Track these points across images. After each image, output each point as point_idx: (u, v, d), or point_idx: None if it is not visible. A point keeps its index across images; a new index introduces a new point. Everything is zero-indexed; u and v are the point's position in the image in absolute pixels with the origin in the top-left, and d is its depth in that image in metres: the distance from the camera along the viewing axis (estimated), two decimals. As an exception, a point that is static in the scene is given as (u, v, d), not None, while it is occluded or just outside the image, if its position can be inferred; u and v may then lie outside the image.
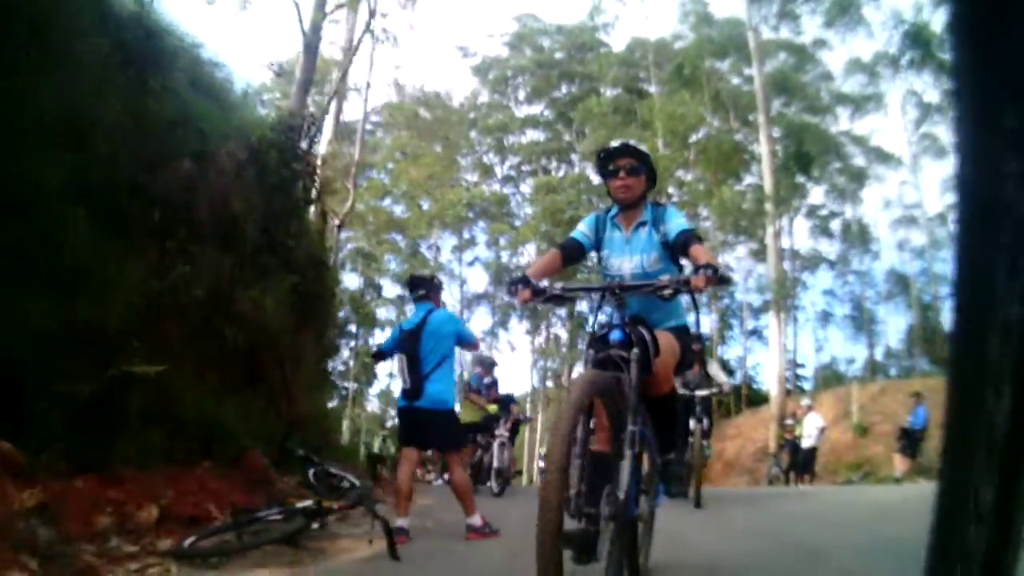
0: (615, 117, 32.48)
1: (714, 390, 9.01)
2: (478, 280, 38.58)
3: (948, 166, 31.01)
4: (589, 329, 3.82)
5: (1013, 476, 0.67)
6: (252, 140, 8.84)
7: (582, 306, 28.91)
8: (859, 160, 36.39)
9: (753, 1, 28.48)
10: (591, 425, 3.00)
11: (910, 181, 36.45)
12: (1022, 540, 0.68)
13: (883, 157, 36.35)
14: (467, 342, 6.27)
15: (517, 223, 37.26)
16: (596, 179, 34.90)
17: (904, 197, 37.27)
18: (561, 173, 37.74)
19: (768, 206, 26.71)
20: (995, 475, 0.67)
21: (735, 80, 33.66)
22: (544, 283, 3.52)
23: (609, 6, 36.99)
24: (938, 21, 24.86)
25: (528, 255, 35.77)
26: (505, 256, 37.65)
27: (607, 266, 3.97)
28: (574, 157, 37.73)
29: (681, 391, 8.09)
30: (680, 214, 3.93)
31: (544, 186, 34.64)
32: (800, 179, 33.20)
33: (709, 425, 9.08)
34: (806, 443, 17.06)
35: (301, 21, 12.45)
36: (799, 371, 36.07)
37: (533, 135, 38.89)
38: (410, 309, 7.26)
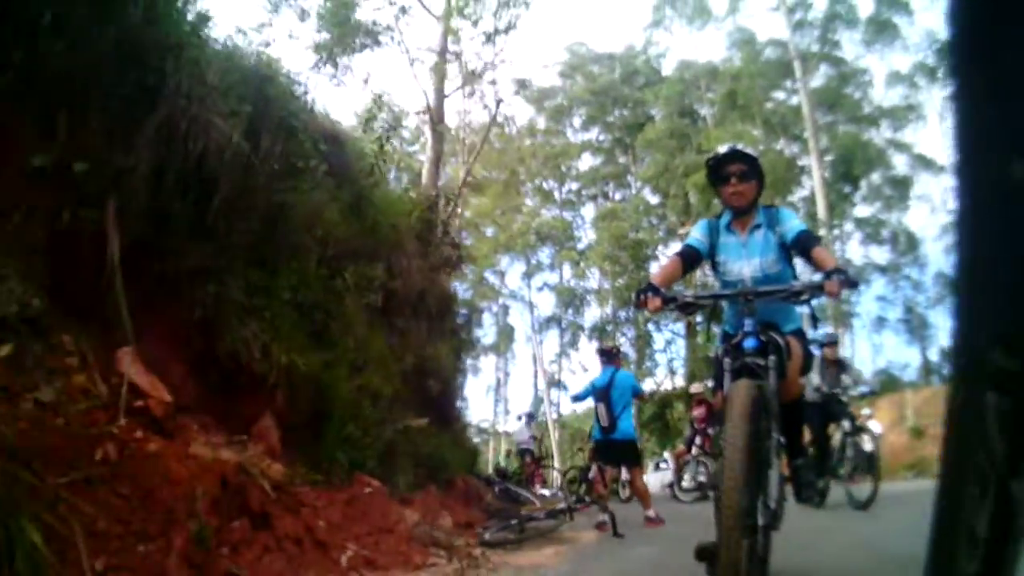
0: (671, 142, 34.31)
1: (850, 392, 8.88)
2: (546, 304, 39.66)
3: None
4: (719, 339, 3.96)
5: (1011, 478, 0.67)
6: (414, 222, 11.00)
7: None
8: (903, 167, 37.34)
9: (796, 28, 30.40)
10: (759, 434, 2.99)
11: (952, 187, 37.56)
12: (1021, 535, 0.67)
13: (926, 163, 37.39)
14: (640, 393, 9.10)
15: (579, 246, 38.92)
16: (654, 200, 36.98)
17: (948, 203, 38.54)
18: (618, 196, 39.44)
19: (821, 227, 28.41)
20: (994, 476, 0.68)
21: (781, 95, 35.34)
22: (671, 292, 3.59)
23: (659, 37, 39.08)
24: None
25: (594, 279, 37.64)
26: (572, 281, 39.12)
27: (725, 272, 3.96)
28: (630, 179, 39.37)
29: (812, 396, 8.24)
30: (794, 215, 3.97)
31: (608, 214, 36.37)
32: (847, 189, 34.91)
33: (849, 426, 8.85)
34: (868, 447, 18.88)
35: (430, 108, 14.48)
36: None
37: (589, 160, 40.54)
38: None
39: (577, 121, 40.37)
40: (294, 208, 6.24)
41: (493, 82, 18.30)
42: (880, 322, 38.52)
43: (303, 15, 9.87)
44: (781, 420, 3.47)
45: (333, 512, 5.13)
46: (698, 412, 13.94)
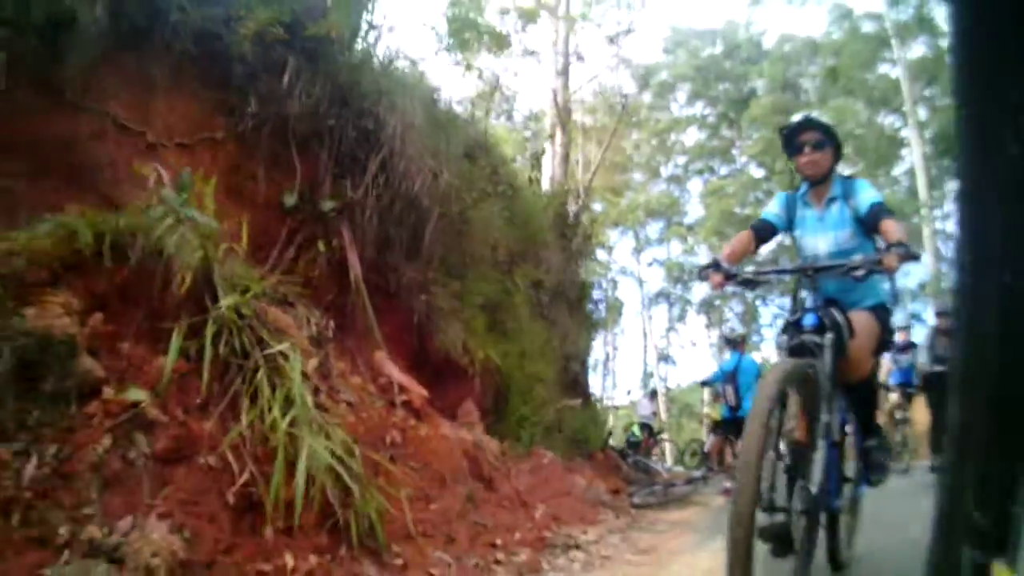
0: (775, 117, 34.36)
1: None
2: (655, 279, 40.01)
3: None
4: (783, 314, 3.88)
5: (1013, 469, 0.70)
6: (552, 217, 12.01)
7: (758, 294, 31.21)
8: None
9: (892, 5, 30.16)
10: (787, 416, 2.88)
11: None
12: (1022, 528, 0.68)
13: None
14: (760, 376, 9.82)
15: (687, 221, 39.25)
16: (759, 174, 37.03)
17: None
18: (724, 171, 39.52)
19: (923, 209, 28.32)
20: (996, 466, 0.71)
21: (881, 69, 34.93)
22: (735, 267, 3.52)
23: (759, 16, 38.94)
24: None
25: (703, 254, 37.71)
26: (681, 256, 39.48)
27: (801, 246, 3.91)
28: (735, 153, 39.46)
29: (937, 368, 8.61)
30: (870, 186, 3.77)
31: (716, 189, 36.63)
32: (948, 163, 34.32)
33: None
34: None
35: (557, 105, 15.43)
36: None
37: (695, 135, 40.61)
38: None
39: (682, 96, 40.51)
40: (475, 223, 7.34)
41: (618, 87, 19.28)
42: None
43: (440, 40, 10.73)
44: (847, 400, 3.50)
45: (524, 478, 6.23)
46: None
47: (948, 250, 35.06)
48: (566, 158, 15.41)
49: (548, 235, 10.88)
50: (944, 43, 33.80)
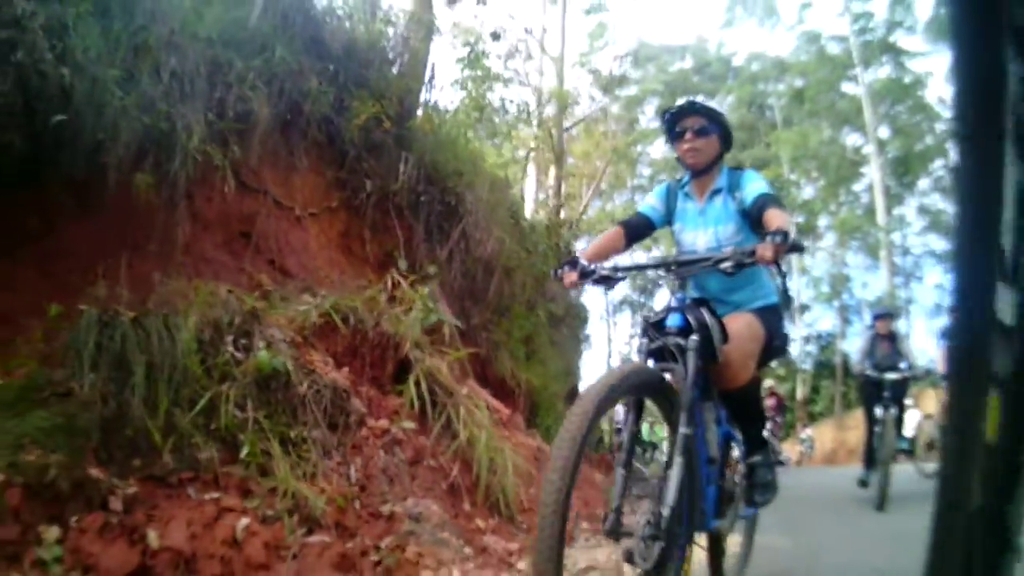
0: (740, 134, 36.75)
1: (907, 373, 8.15)
2: (619, 287, 41.37)
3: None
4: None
5: (1011, 473, 0.70)
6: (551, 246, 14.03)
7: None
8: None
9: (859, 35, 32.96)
10: (637, 428, 2.73)
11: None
12: (1021, 528, 0.68)
13: None
14: None
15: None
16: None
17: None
18: None
19: (881, 236, 31.10)
20: (993, 471, 0.71)
21: (846, 88, 37.65)
22: (592, 265, 3.27)
23: (731, 36, 41.38)
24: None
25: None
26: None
27: (680, 242, 3.68)
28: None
29: (869, 373, 8.25)
30: (759, 176, 3.55)
31: None
32: (906, 179, 37.32)
33: (899, 414, 8.26)
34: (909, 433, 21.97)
35: (552, 138, 17.40)
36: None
37: (662, 147, 42.54)
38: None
39: (649, 110, 42.59)
40: (516, 272, 9.33)
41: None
42: (938, 309, 40.66)
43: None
44: (727, 410, 3.36)
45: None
46: (770, 402, 17.19)
47: (905, 263, 38.13)
48: (559, 187, 17.36)
49: (552, 267, 12.86)
50: (905, 67, 36.89)
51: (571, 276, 3.23)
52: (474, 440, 5.14)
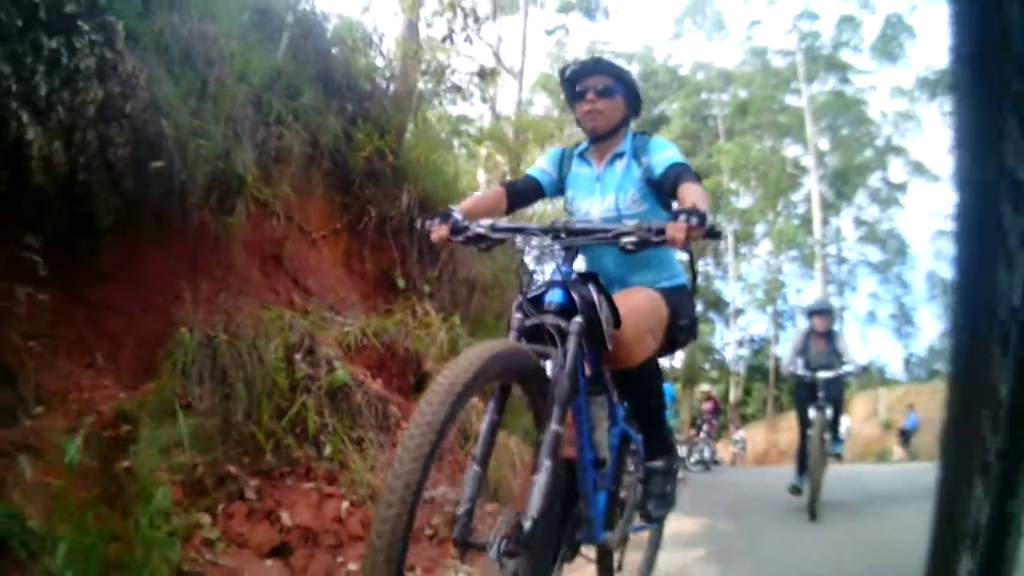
0: (684, 142, 38.31)
1: (844, 371, 7.89)
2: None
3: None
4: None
5: (1010, 475, 0.70)
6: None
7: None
8: (901, 172, 41.33)
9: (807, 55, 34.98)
10: (499, 418, 2.31)
11: (947, 195, 42.22)
12: (1021, 528, 0.68)
13: (921, 170, 40.96)
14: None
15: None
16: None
17: (943, 210, 42.94)
18: None
19: (817, 248, 33.05)
20: (993, 471, 0.71)
21: (789, 100, 39.62)
22: (468, 221, 2.85)
23: (678, 49, 43.03)
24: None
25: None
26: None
27: (573, 210, 3.34)
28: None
29: (801, 371, 7.92)
30: (670, 144, 3.25)
31: None
32: (843, 190, 39.50)
33: (835, 415, 7.98)
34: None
35: (511, 151, 18.45)
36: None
37: None
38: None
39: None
40: (494, 288, 10.47)
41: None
42: (871, 317, 42.09)
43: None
44: (627, 402, 3.08)
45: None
46: (707, 406, 18.78)
47: (840, 272, 40.21)
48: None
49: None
50: (849, 81, 39.08)
51: (441, 231, 2.86)
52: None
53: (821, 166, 36.79)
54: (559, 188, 3.44)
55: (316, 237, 8.00)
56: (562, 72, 3.34)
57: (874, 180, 40.76)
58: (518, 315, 2.54)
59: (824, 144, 38.37)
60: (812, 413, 7.67)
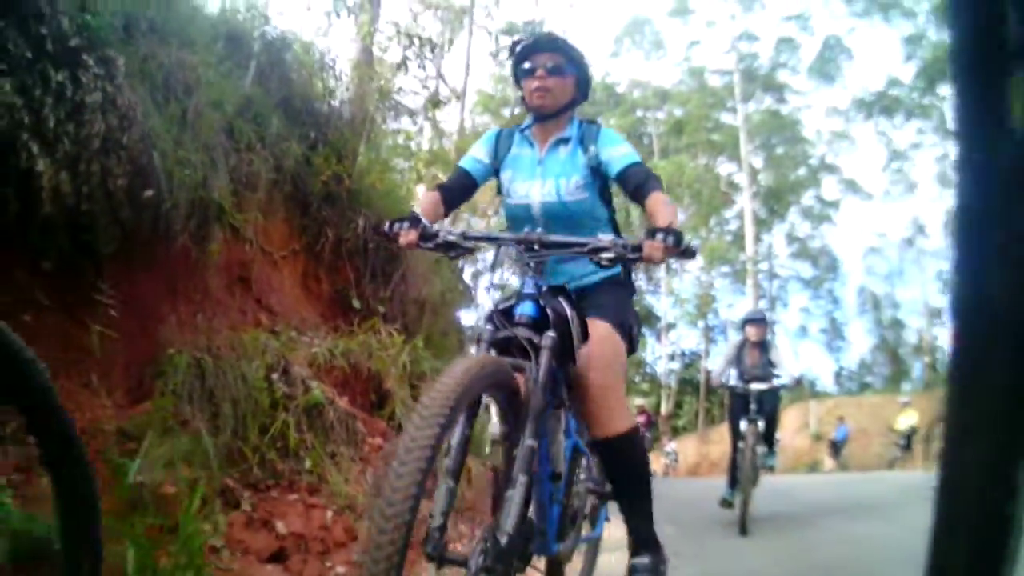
0: (618, 159, 39.29)
1: (778, 383, 7.81)
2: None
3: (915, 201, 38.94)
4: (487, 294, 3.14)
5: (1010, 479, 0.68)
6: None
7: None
8: (834, 189, 43.01)
9: (745, 77, 36.35)
10: (471, 432, 2.27)
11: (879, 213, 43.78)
12: (1021, 528, 0.68)
13: (854, 188, 42.97)
14: None
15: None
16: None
17: (874, 227, 44.68)
18: None
19: (749, 264, 34.36)
20: (994, 478, 0.69)
21: (724, 119, 40.90)
22: (435, 227, 2.85)
23: (616, 66, 44.14)
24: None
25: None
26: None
27: (509, 192, 3.27)
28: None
29: (734, 383, 7.90)
30: (621, 139, 3.22)
31: None
32: (775, 207, 40.93)
33: (769, 428, 7.81)
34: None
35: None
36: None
37: None
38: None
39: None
40: (446, 306, 11.02)
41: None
42: (803, 331, 43.50)
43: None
44: (602, 470, 3.10)
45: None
46: (640, 419, 19.59)
47: (771, 288, 41.49)
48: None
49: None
50: (785, 100, 40.56)
51: (410, 236, 2.83)
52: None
53: (755, 184, 38.10)
54: (494, 172, 3.37)
55: (277, 258, 8.43)
56: (513, 45, 3.30)
57: (807, 198, 42.10)
58: (488, 327, 2.57)
59: (758, 162, 39.75)
60: (744, 425, 7.59)
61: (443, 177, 17.46)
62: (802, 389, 28.62)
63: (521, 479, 2.29)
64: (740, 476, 7.45)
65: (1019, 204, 0.66)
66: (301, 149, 8.68)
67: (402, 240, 2.86)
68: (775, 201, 40.58)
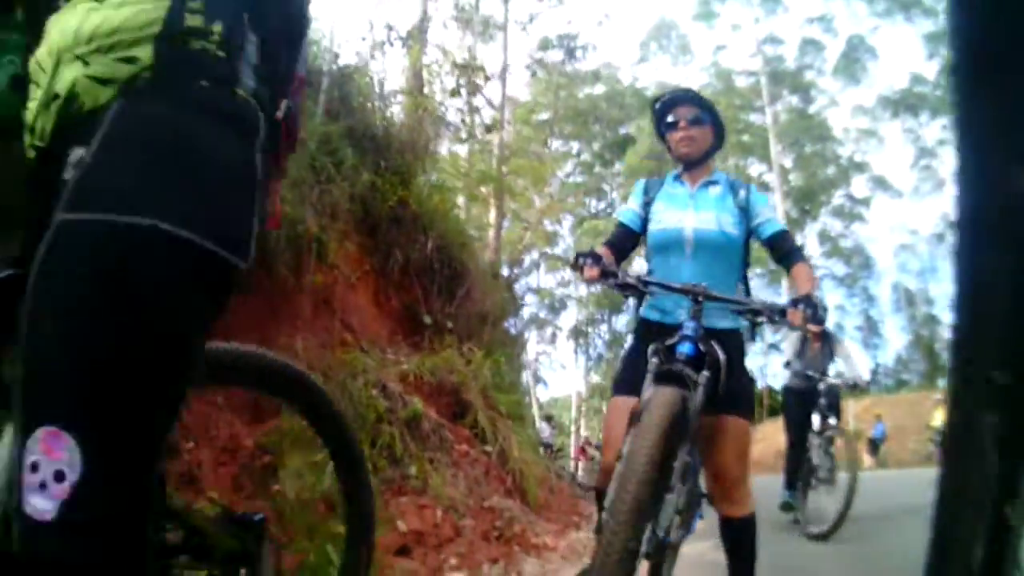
0: (649, 162, 39.51)
1: (840, 380, 7.46)
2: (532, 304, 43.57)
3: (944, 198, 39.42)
4: (632, 322, 3.56)
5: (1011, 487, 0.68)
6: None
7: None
8: (864, 187, 43.41)
9: (771, 79, 36.85)
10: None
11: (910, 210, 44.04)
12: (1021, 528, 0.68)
13: (884, 185, 43.49)
14: None
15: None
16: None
17: (906, 224, 44.90)
18: (596, 205, 43.57)
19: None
20: (989, 499, 0.69)
21: (753, 118, 41.31)
22: (615, 266, 3.26)
23: (645, 71, 44.72)
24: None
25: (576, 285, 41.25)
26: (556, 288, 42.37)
27: (659, 219, 3.47)
28: (605, 187, 43.97)
29: (809, 374, 7.50)
30: (767, 201, 3.59)
31: (591, 229, 41.11)
32: (807, 206, 41.30)
33: (835, 423, 7.43)
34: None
35: (496, 180, 19.68)
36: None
37: (569, 170, 44.48)
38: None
39: (560, 134, 44.41)
40: (499, 320, 11.72)
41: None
42: (839, 329, 43.94)
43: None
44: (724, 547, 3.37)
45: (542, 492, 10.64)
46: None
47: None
48: (499, 228, 19.55)
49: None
50: (812, 99, 41.02)
51: (593, 271, 3.13)
52: (509, 455, 7.48)
53: (785, 183, 38.45)
54: (646, 220, 3.57)
55: (353, 280, 9.15)
56: (654, 101, 3.64)
57: (838, 196, 42.39)
58: (655, 359, 2.90)
59: (788, 162, 40.10)
60: (817, 422, 7.25)
61: (491, 193, 18.50)
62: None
63: (678, 487, 2.68)
64: (801, 477, 7.30)
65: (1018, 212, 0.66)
66: (369, 175, 9.36)
67: (586, 273, 3.14)
68: (806, 200, 40.95)
